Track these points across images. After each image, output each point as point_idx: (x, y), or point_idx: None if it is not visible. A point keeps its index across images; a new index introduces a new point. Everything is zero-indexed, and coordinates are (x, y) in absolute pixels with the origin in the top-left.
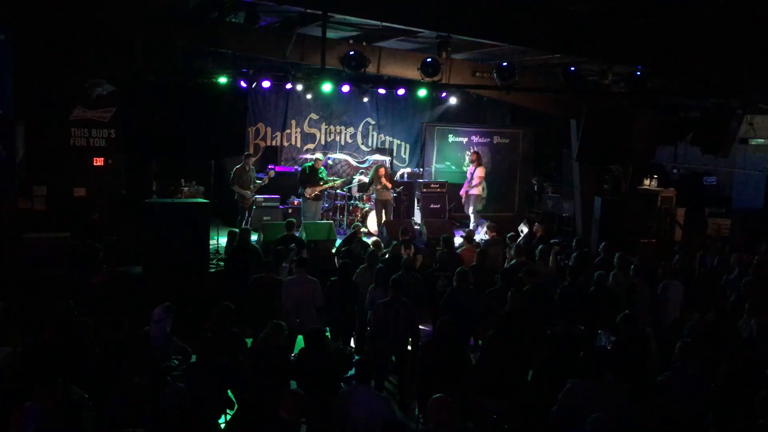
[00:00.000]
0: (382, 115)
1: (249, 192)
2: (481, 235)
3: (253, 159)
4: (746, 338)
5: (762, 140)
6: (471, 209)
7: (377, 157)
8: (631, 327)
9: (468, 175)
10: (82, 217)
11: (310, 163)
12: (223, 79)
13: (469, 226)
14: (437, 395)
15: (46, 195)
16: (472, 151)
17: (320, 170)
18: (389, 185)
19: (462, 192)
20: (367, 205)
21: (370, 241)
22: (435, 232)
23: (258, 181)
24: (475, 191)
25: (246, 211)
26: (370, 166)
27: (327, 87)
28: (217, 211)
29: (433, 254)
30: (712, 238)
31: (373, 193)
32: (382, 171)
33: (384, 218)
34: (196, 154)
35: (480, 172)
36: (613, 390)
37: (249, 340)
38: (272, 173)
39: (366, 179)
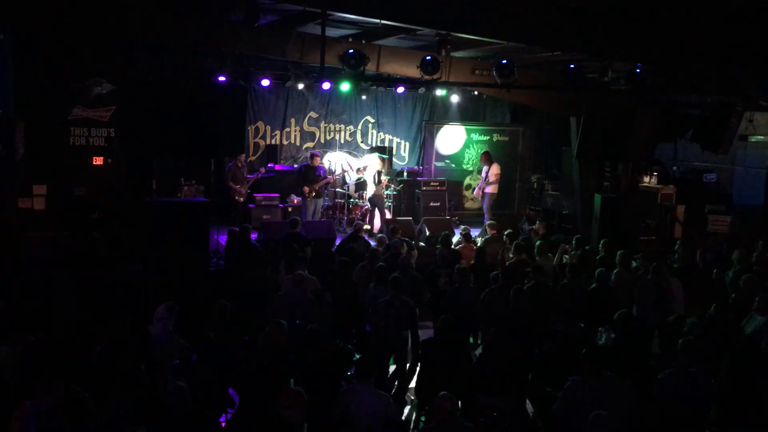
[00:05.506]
0: (382, 113)
1: (243, 188)
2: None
3: (244, 155)
4: (749, 335)
5: (762, 137)
6: (485, 206)
7: (372, 155)
8: (628, 325)
9: (483, 174)
10: (82, 216)
11: (306, 162)
12: (222, 78)
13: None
14: (442, 393)
15: (46, 194)
16: (482, 152)
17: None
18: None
19: (477, 192)
20: (367, 203)
21: (374, 239)
22: (435, 229)
23: (250, 177)
24: (490, 189)
25: (238, 206)
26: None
27: (326, 85)
28: (217, 210)
29: (433, 252)
30: (714, 235)
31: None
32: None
33: (380, 215)
34: (195, 153)
35: (495, 169)
36: (614, 388)
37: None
38: (262, 170)
39: (363, 176)
